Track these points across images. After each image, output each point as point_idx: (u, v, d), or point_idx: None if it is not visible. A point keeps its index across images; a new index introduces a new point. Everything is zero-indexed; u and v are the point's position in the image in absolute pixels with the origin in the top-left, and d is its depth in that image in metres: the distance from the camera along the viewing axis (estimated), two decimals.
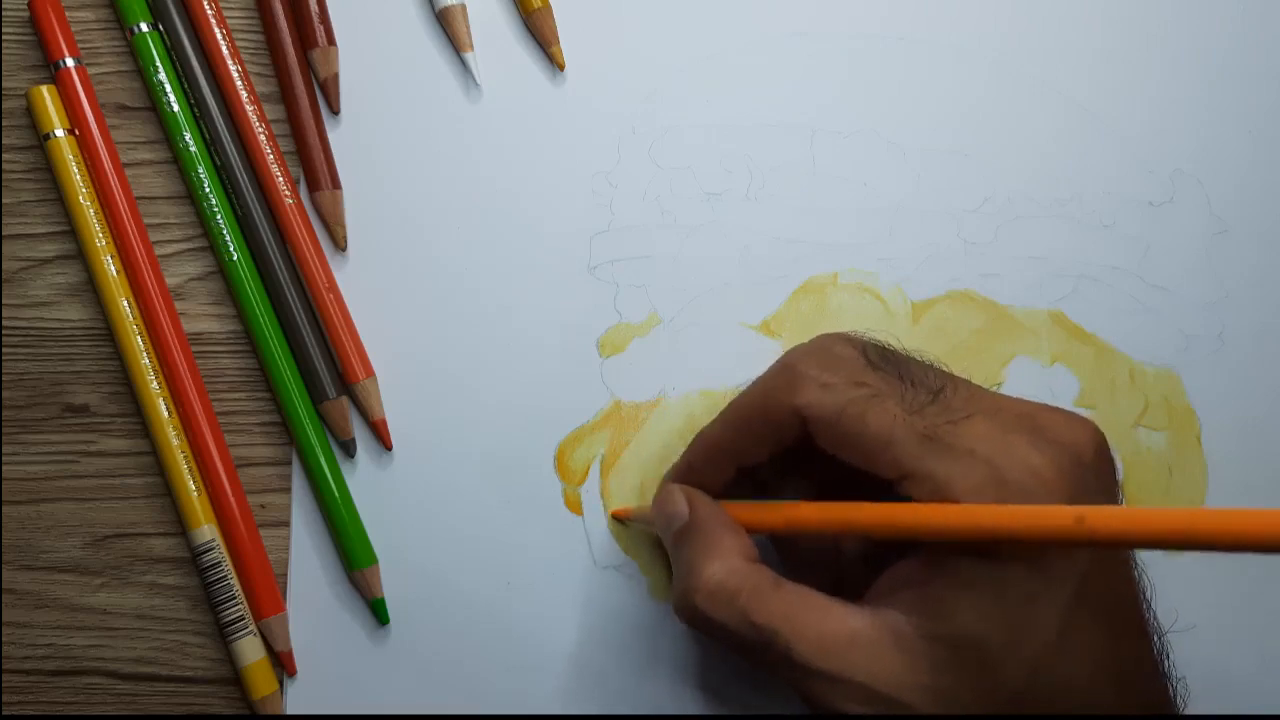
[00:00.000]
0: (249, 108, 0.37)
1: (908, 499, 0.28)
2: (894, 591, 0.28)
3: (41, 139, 0.37)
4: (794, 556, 0.34)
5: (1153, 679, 0.29)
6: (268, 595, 0.36)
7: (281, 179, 0.37)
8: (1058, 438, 0.28)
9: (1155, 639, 0.29)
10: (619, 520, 0.37)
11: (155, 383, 0.36)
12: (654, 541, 0.37)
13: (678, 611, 0.31)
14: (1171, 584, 0.36)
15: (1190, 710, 0.31)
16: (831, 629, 0.28)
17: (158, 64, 0.38)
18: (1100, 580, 0.27)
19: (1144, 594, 0.29)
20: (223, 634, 0.36)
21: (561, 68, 0.39)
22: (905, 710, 0.27)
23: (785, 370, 0.30)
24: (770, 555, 0.35)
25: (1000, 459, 0.27)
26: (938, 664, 0.27)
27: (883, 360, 0.30)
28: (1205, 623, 0.36)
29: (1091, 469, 0.28)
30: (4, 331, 0.37)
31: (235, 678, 0.36)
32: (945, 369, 0.31)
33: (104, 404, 0.37)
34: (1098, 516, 0.25)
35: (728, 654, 0.36)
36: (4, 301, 0.38)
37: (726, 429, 0.32)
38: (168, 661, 0.36)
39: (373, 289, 0.38)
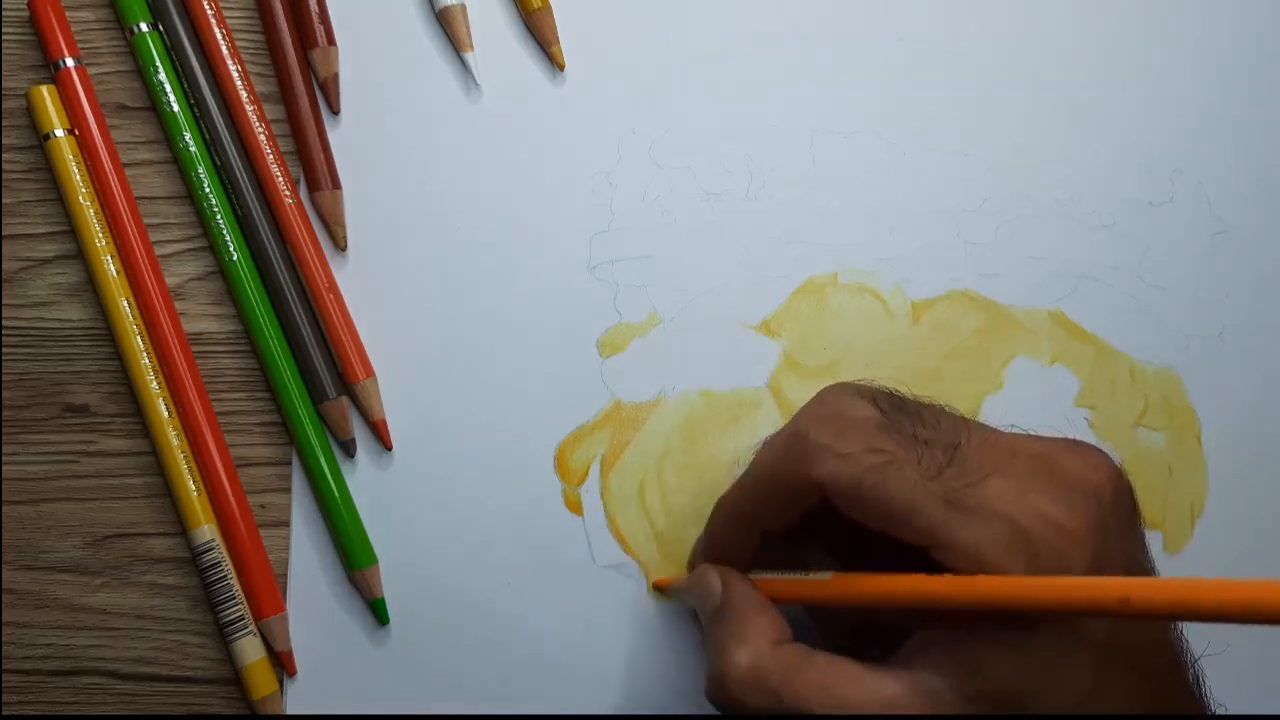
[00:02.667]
0: (249, 108, 0.37)
1: (934, 561, 0.28)
2: (925, 652, 0.28)
3: (41, 139, 0.37)
4: (827, 610, 0.34)
5: (1190, 705, 0.28)
6: (268, 595, 0.36)
7: (281, 179, 0.37)
8: (1076, 482, 0.28)
9: (1190, 667, 0.29)
10: (660, 590, 0.37)
11: (155, 383, 0.36)
12: (655, 542, 0.37)
13: (710, 696, 0.30)
14: None
15: None
16: (866, 699, 0.28)
17: (158, 64, 0.38)
18: (1131, 630, 0.27)
19: (1175, 633, 0.29)
20: (223, 634, 0.36)
21: (561, 68, 0.39)
22: None
23: (798, 440, 0.30)
24: (802, 613, 0.34)
25: (1024, 519, 0.27)
26: None
27: (895, 412, 0.30)
28: (1236, 644, 0.36)
29: (1111, 508, 0.28)
30: (4, 331, 0.37)
31: (235, 678, 0.36)
32: (956, 413, 0.30)
33: (104, 404, 0.37)
34: (1142, 595, 0.25)
35: None
36: (4, 301, 0.38)
37: (745, 499, 0.32)
38: (168, 661, 0.36)
39: (373, 289, 0.38)
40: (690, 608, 0.36)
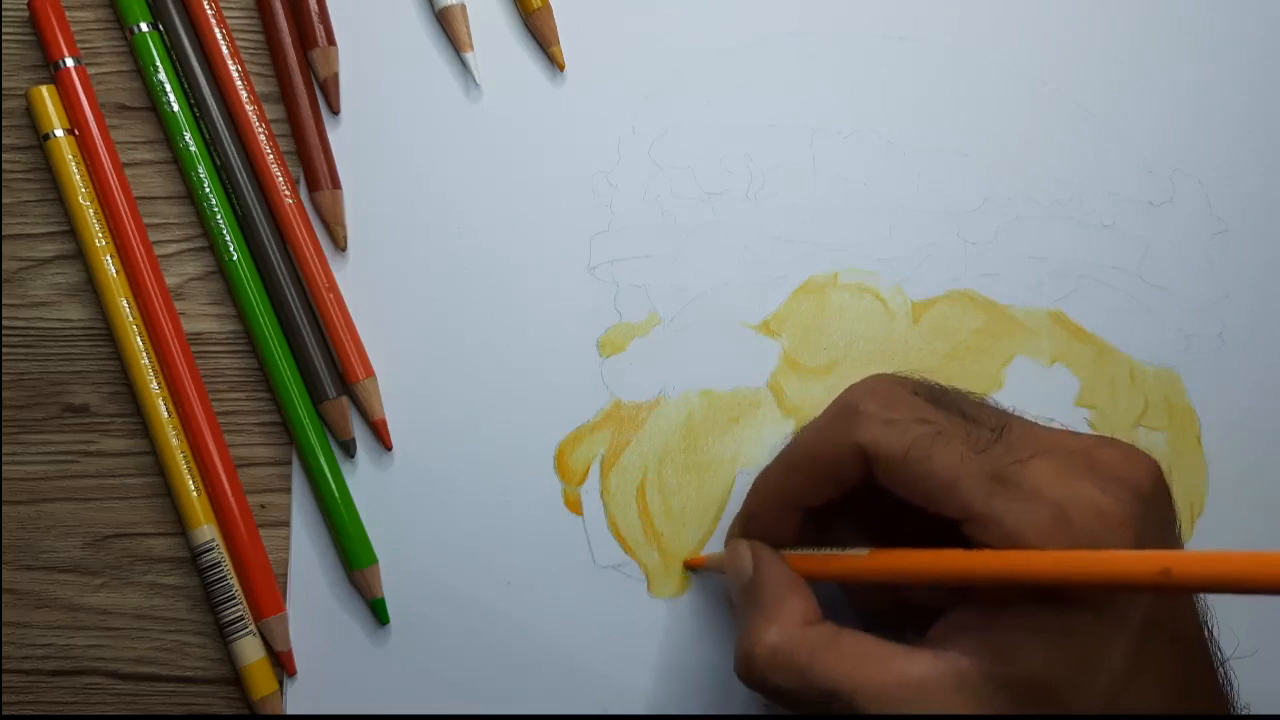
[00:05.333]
0: (249, 108, 0.37)
1: (970, 538, 0.28)
2: (956, 635, 0.28)
3: (41, 139, 0.37)
4: (859, 589, 0.34)
5: (1220, 705, 0.29)
6: (268, 595, 0.36)
7: (281, 179, 0.37)
8: (1118, 474, 0.28)
9: (1219, 667, 0.29)
10: (691, 569, 0.37)
11: (155, 383, 0.36)
12: (655, 542, 0.37)
13: (739, 673, 0.31)
14: (1231, 608, 0.33)
15: None
16: (894, 678, 0.28)
17: (158, 64, 0.38)
18: (1166, 612, 0.27)
19: (1206, 620, 0.29)
20: (223, 634, 0.36)
21: (561, 68, 0.39)
22: None
23: (846, 409, 0.30)
24: (834, 589, 0.34)
25: (1067, 501, 0.27)
26: (1005, 706, 0.27)
27: (939, 398, 0.30)
28: (1265, 647, 0.36)
29: (1151, 501, 0.28)
30: (4, 331, 0.37)
31: (235, 678, 0.36)
32: (998, 405, 0.31)
33: (104, 404, 0.37)
34: (1183, 567, 0.25)
35: (725, 653, 0.36)
36: (4, 301, 0.38)
37: (787, 472, 0.32)
38: (168, 661, 0.36)
39: (373, 289, 0.38)
40: (725, 586, 0.36)
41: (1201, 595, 0.29)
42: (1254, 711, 0.31)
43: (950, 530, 0.28)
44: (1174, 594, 0.26)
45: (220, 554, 0.36)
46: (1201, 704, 0.28)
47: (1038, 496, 0.27)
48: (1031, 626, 0.27)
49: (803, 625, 0.30)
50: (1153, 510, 0.28)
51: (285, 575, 0.37)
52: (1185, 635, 0.28)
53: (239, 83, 0.37)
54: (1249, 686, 0.30)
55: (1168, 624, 0.27)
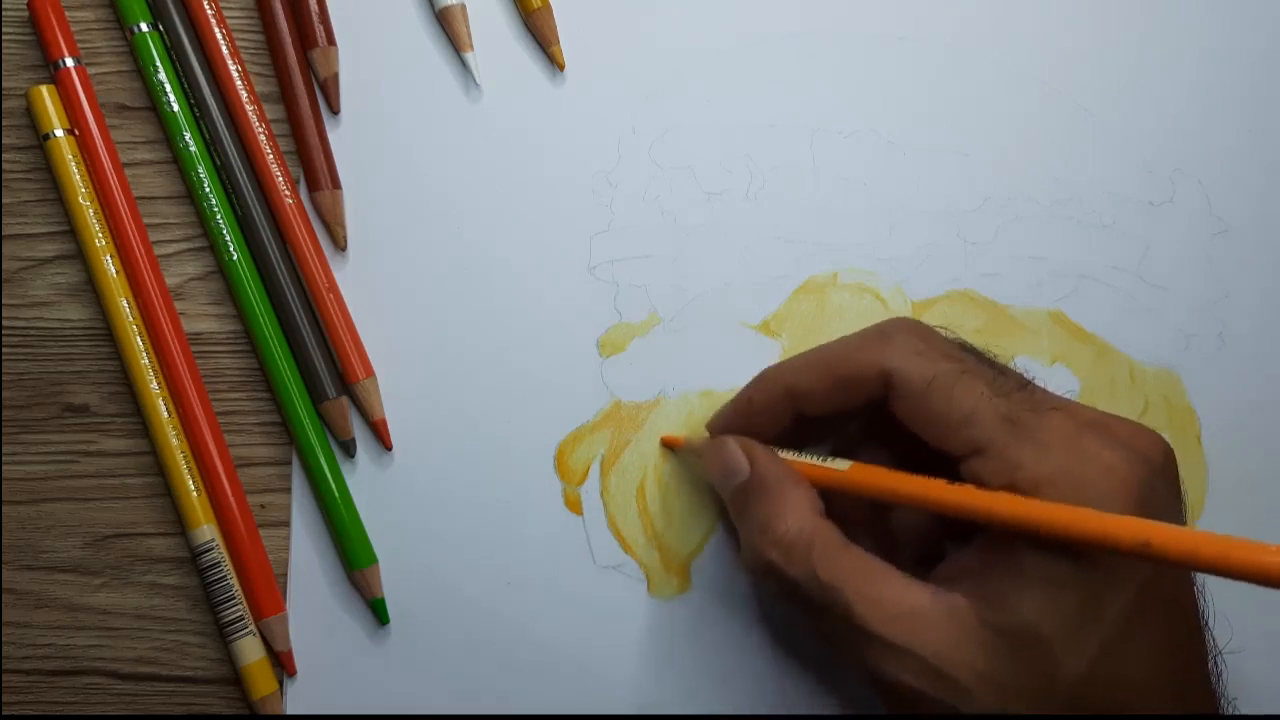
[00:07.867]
0: (249, 108, 0.37)
1: (970, 477, 0.28)
2: (955, 578, 0.29)
3: (41, 139, 0.37)
4: (843, 520, 0.34)
5: (1206, 690, 0.29)
6: (267, 595, 0.36)
7: (281, 179, 0.37)
8: (1131, 443, 0.28)
9: (1210, 654, 0.29)
10: (667, 447, 0.37)
11: (155, 383, 0.36)
12: (655, 542, 0.37)
13: (747, 565, 0.31)
14: (1225, 600, 0.33)
15: None
16: (895, 598, 0.28)
17: (158, 64, 0.38)
18: (1163, 585, 0.27)
19: (1204, 609, 0.29)
20: (223, 634, 0.36)
21: (561, 68, 0.39)
22: (961, 690, 0.27)
23: (880, 332, 0.31)
24: None
25: (1076, 455, 0.28)
26: (997, 652, 0.27)
27: (971, 348, 0.31)
28: (1253, 646, 0.36)
29: (1160, 473, 0.28)
30: (4, 331, 0.37)
31: (235, 678, 0.36)
32: (1025, 372, 0.31)
33: (104, 404, 0.37)
34: (1164, 542, 0.25)
35: (726, 653, 0.36)
36: (4, 301, 0.38)
37: (802, 370, 0.32)
38: (168, 661, 0.36)
39: (373, 289, 0.38)
40: (697, 472, 0.36)
41: (1202, 586, 0.30)
42: (1239, 706, 0.31)
43: (950, 475, 0.29)
44: (1155, 562, 0.26)
45: (220, 554, 0.36)
46: (1189, 688, 0.28)
47: (1049, 445, 0.28)
48: (1028, 578, 0.27)
49: (815, 515, 0.30)
50: (1160, 481, 0.28)
51: (285, 575, 0.37)
52: (1180, 618, 0.28)
53: (239, 83, 0.38)
54: (1236, 681, 0.30)
55: (1164, 603, 0.28)
